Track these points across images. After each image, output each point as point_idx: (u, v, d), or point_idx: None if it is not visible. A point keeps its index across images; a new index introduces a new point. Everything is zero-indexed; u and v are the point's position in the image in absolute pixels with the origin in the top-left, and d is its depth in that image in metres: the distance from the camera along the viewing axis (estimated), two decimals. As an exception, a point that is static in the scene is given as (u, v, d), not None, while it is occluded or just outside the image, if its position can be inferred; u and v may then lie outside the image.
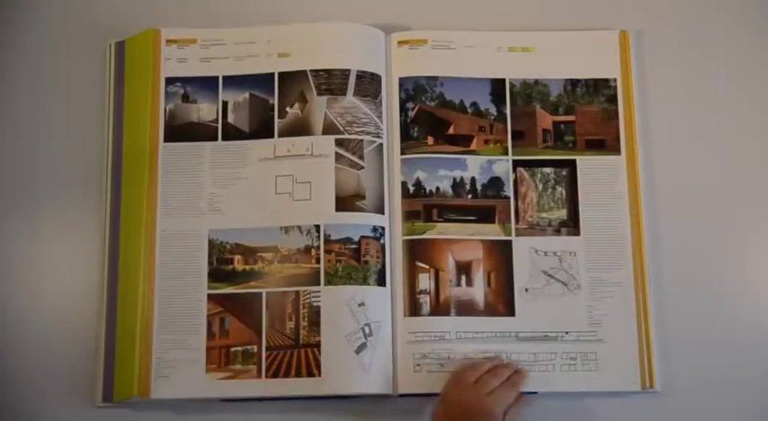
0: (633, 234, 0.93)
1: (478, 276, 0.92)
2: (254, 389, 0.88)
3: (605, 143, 0.96)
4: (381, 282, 0.91)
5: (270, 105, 0.95)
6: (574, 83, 0.97)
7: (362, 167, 0.93)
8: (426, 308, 0.91)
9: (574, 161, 0.95)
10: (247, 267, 0.91)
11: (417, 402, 0.89)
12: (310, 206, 0.92)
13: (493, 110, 0.96)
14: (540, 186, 0.95)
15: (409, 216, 0.93)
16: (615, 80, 0.97)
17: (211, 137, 0.95)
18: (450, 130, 0.96)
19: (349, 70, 0.95)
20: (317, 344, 0.88)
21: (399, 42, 0.97)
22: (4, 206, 0.94)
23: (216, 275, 0.91)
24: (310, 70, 0.95)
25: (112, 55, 0.96)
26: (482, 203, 0.94)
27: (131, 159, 0.93)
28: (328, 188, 0.92)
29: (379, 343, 0.89)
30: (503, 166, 0.95)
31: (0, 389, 0.89)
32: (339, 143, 0.93)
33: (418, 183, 0.94)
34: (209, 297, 0.91)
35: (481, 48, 0.97)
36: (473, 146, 0.95)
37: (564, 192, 0.95)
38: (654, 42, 0.99)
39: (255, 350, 0.89)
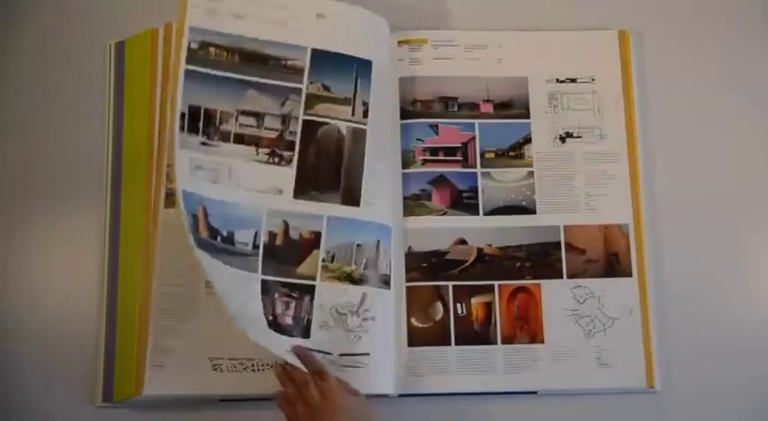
0: (634, 235, 0.93)
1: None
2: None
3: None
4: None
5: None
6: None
7: None
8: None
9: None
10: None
11: (417, 402, 0.90)
12: None
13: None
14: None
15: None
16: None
17: None
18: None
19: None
20: None
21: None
22: (4, 206, 0.94)
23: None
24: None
25: (112, 55, 0.96)
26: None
27: (131, 159, 0.93)
28: None
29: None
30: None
31: (1, 388, 0.90)
32: None
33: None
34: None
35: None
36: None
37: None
38: (654, 42, 0.99)
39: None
